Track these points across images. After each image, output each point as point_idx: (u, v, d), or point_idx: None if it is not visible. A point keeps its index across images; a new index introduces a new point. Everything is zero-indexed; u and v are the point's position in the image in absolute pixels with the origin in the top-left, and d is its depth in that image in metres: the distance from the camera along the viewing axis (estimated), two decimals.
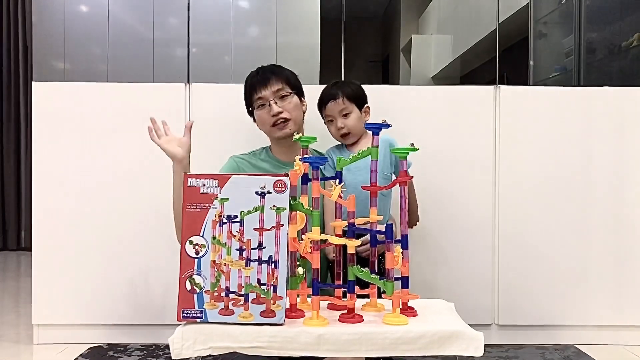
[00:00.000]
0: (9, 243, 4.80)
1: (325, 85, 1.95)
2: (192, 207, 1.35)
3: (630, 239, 2.25)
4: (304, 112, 1.96)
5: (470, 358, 1.33)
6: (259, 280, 1.33)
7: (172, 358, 1.32)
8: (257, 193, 1.34)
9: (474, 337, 1.33)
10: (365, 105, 1.94)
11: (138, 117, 2.23)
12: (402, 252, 1.39)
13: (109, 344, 2.19)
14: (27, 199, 4.66)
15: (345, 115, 1.87)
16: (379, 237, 1.44)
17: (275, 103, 1.85)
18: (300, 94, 1.95)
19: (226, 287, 1.33)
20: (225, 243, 1.34)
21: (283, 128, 1.86)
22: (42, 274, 2.22)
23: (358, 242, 1.38)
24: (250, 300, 1.32)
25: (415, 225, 2.07)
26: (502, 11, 2.32)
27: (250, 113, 1.95)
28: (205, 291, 1.33)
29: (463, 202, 2.24)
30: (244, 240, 1.34)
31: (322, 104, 1.92)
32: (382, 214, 1.67)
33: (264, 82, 1.87)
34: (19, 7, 4.77)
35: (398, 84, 2.61)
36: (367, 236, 1.63)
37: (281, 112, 1.85)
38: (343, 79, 2.27)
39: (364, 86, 2.05)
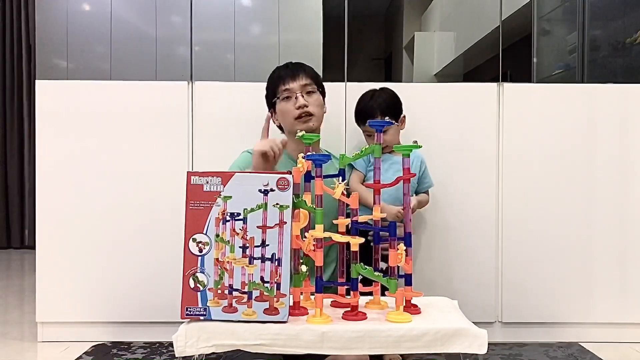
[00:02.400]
0: (12, 241, 4.81)
1: (361, 94, 2.00)
2: (196, 204, 1.35)
3: (634, 236, 2.24)
4: (323, 113, 1.96)
5: (474, 355, 1.33)
6: (262, 278, 1.33)
7: (176, 355, 1.33)
8: (260, 191, 1.35)
9: (478, 334, 1.33)
10: (402, 116, 1.99)
11: (141, 115, 2.24)
12: (405, 250, 1.39)
13: (112, 342, 2.20)
14: (31, 197, 4.67)
15: (385, 132, 1.91)
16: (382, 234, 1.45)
17: (302, 96, 1.86)
18: (324, 94, 1.96)
19: (229, 284, 1.33)
20: (229, 241, 1.34)
21: (307, 122, 1.87)
22: (46, 272, 2.22)
23: (361, 239, 1.38)
24: (253, 297, 1.33)
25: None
26: (505, 8, 2.31)
27: (271, 105, 1.94)
28: (209, 289, 1.33)
29: (466, 200, 2.23)
30: (247, 238, 1.34)
31: (360, 119, 1.98)
32: None
33: (293, 75, 1.89)
34: (22, 6, 4.78)
35: (401, 81, 2.59)
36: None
37: (307, 106, 1.86)
38: (346, 77, 2.26)
39: (367, 84, 2.05)
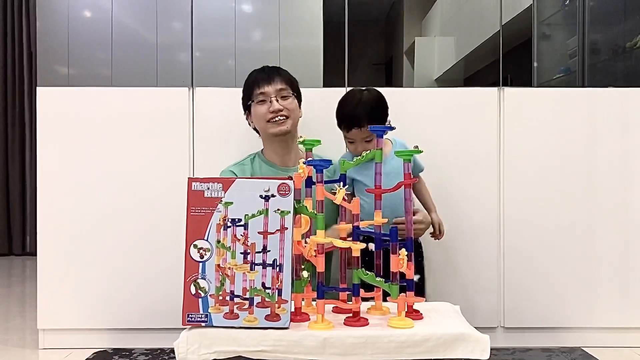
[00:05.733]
0: (14, 248, 4.81)
1: (343, 93, 1.89)
2: (197, 210, 1.35)
3: (635, 240, 2.24)
4: (299, 117, 1.97)
5: None
6: (263, 284, 1.33)
7: None
8: (261, 196, 1.34)
9: (480, 339, 1.32)
10: (388, 121, 1.85)
11: (142, 121, 2.25)
12: (407, 255, 1.38)
13: (114, 349, 2.19)
14: (32, 203, 4.67)
15: (369, 141, 1.79)
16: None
17: (277, 101, 1.87)
18: (299, 99, 1.96)
19: (231, 290, 1.33)
20: (230, 247, 1.34)
21: (281, 125, 1.89)
22: (47, 278, 2.22)
23: (363, 245, 1.38)
24: (255, 303, 1.32)
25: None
26: (506, 13, 2.32)
27: (247, 107, 1.96)
28: (210, 295, 1.33)
29: (468, 204, 2.23)
30: (249, 244, 1.34)
31: (344, 125, 1.83)
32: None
33: (268, 79, 1.91)
34: (23, 12, 4.80)
35: (402, 86, 2.59)
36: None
37: (281, 110, 1.87)
38: (346, 82, 2.26)
39: None
